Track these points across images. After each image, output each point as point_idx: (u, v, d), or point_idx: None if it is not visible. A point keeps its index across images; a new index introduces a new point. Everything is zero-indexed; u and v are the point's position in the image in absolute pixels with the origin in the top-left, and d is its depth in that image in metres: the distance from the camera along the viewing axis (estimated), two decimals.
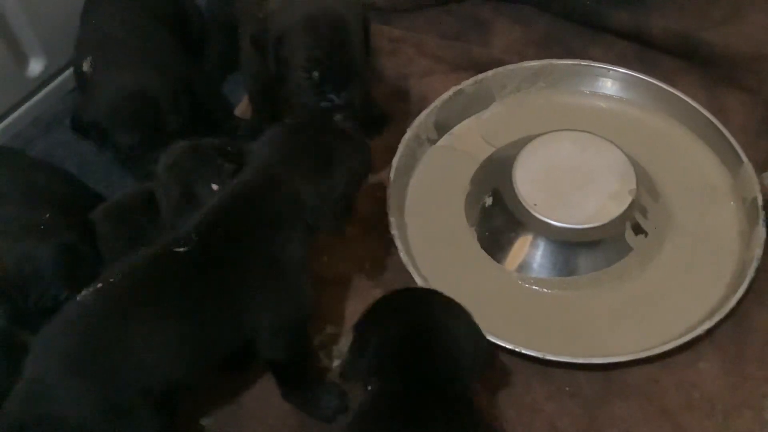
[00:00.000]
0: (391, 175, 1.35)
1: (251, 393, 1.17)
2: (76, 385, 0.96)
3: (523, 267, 1.28)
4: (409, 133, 1.40)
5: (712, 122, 1.37)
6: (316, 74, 1.16)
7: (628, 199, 1.26)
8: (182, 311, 1.01)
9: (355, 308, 1.25)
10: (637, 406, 1.16)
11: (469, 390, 1.00)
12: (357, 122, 1.23)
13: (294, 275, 1.07)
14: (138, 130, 1.29)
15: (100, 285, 0.99)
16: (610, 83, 1.46)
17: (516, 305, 1.26)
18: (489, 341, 1.09)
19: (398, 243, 1.27)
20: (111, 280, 1.00)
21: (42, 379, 0.96)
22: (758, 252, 1.23)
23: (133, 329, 0.97)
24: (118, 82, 1.30)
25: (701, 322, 1.19)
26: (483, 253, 1.31)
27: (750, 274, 1.22)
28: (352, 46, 1.17)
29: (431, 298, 1.06)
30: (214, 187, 1.15)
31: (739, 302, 1.21)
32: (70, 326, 0.98)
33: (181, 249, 1.02)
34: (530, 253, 1.28)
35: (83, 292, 1.00)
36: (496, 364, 1.13)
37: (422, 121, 1.42)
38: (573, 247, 1.27)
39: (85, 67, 1.36)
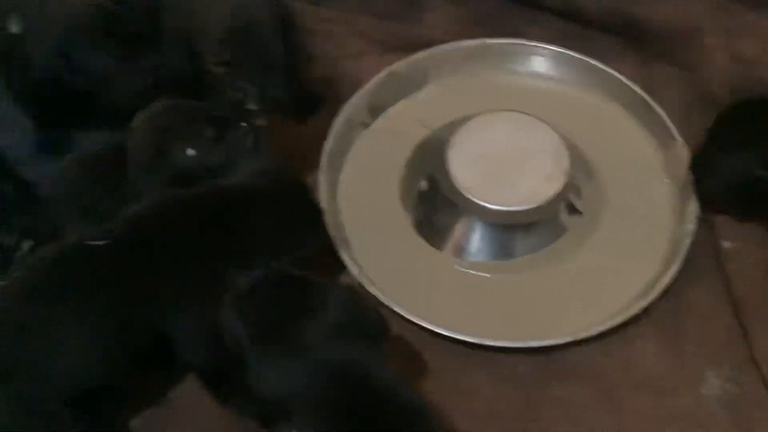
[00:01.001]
0: (323, 161, 1.31)
1: (182, 391, 1.12)
2: None
3: (460, 251, 1.26)
4: (341, 117, 1.35)
5: (644, 99, 1.36)
6: (226, 59, 1.12)
7: (562, 180, 1.24)
8: (97, 309, 0.96)
9: None
10: (576, 387, 1.15)
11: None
12: (285, 111, 1.20)
13: None
14: None
15: (4, 283, 0.94)
16: (545, 62, 1.44)
17: (453, 290, 1.24)
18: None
19: (331, 231, 1.24)
20: (33, 269, 0.95)
21: None
22: (691, 227, 1.23)
23: (43, 330, 0.92)
24: None
25: (637, 300, 1.18)
26: (419, 238, 1.28)
27: (684, 250, 1.22)
28: (264, 28, 1.13)
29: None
30: (190, 152, 1.10)
31: (675, 279, 1.21)
32: None
33: (99, 242, 0.98)
34: (466, 238, 1.26)
35: (2, 283, 0.95)
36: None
37: (355, 103, 1.38)
38: (509, 230, 1.25)
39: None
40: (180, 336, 1.02)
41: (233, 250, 1.04)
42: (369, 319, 1.00)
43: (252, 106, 1.14)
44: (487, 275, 1.25)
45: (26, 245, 1.09)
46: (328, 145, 1.33)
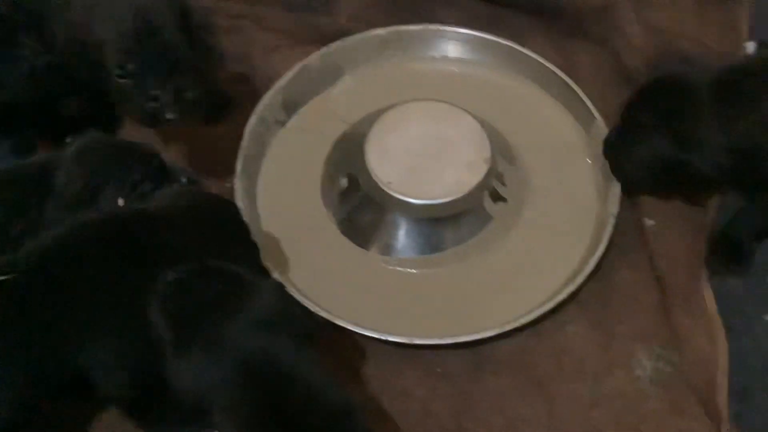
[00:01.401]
0: (239, 165, 1.26)
1: (101, 421, 1.08)
2: None
3: (386, 249, 1.23)
4: (254, 117, 1.31)
5: (562, 78, 1.35)
6: (130, 68, 1.05)
7: (484, 168, 1.22)
8: (5, 347, 0.91)
9: None
10: (509, 379, 1.14)
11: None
12: (200, 115, 1.14)
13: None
14: None
15: None
16: (461, 46, 1.41)
17: (382, 289, 1.21)
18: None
19: (252, 237, 1.19)
20: None
21: None
22: (615, 208, 1.23)
23: None
24: None
25: (566, 285, 1.18)
26: (344, 238, 1.25)
27: (608, 231, 1.21)
28: (166, 29, 1.07)
29: None
30: (120, 201, 1.05)
31: (602, 260, 1.20)
32: None
33: (7, 276, 0.92)
34: (392, 234, 1.23)
35: None
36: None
37: (268, 102, 1.33)
38: (434, 223, 1.23)
39: None
40: (99, 367, 0.97)
41: (150, 276, 0.97)
42: (295, 317, 0.96)
43: (170, 115, 1.08)
44: (415, 271, 1.23)
45: None
46: (243, 147, 1.28)
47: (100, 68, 1.11)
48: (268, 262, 1.17)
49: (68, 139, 1.11)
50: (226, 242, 1.06)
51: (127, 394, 1.01)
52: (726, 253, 1.22)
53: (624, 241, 1.23)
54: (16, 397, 0.93)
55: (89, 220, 1.01)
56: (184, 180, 1.10)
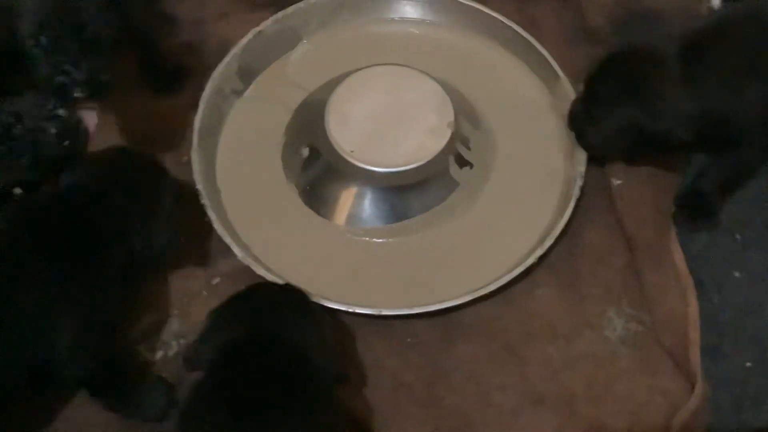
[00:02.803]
0: (195, 138, 1.21)
1: (60, 410, 1.05)
2: None
3: (351, 219, 1.20)
4: (209, 87, 1.26)
5: (523, 37, 1.32)
6: (44, 40, 1.00)
7: (448, 133, 1.19)
8: None
9: (177, 287, 1.15)
10: (480, 345, 1.12)
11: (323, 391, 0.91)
12: (106, 97, 1.09)
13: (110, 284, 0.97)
14: None
15: None
16: (418, 7, 1.37)
17: (348, 260, 1.19)
18: (337, 360, 0.98)
19: (210, 213, 1.16)
20: None
21: None
22: (582, 169, 1.21)
23: None
24: None
25: (534, 249, 1.16)
26: (307, 209, 1.22)
27: (576, 192, 1.19)
28: (85, 8, 1.02)
29: (283, 304, 0.97)
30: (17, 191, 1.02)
31: (570, 221, 1.19)
32: None
33: None
34: (356, 204, 1.20)
35: None
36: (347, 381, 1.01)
37: (223, 71, 1.28)
38: (399, 191, 1.20)
39: None
40: (61, 351, 0.94)
41: (95, 249, 0.97)
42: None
43: (78, 93, 1.03)
44: (382, 240, 1.20)
45: None
46: (199, 119, 1.23)
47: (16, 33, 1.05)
48: (227, 237, 1.14)
49: None
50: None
51: (91, 375, 0.98)
52: (693, 208, 1.21)
53: (592, 202, 1.22)
54: None
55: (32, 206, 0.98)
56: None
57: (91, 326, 0.96)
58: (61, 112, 1.07)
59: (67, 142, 1.06)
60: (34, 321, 0.92)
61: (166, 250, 1.05)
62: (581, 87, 1.19)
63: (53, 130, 1.04)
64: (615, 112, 1.12)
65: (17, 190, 1.01)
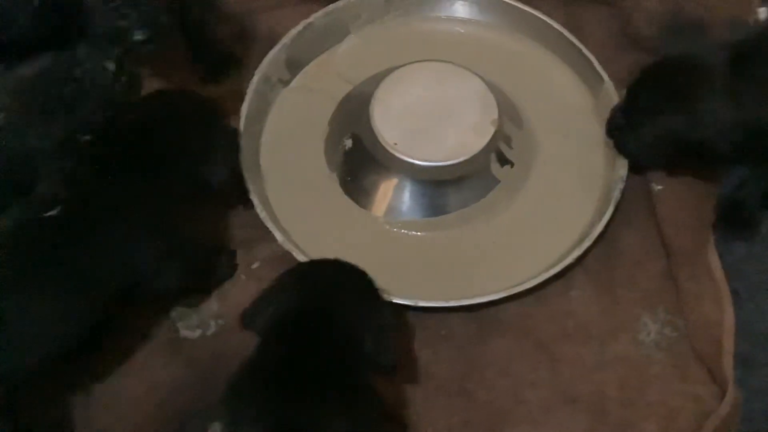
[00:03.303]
0: (241, 125, 1.23)
1: (100, 381, 1.08)
2: None
3: (390, 211, 1.22)
4: (257, 75, 1.28)
5: (570, 41, 1.32)
6: None
7: (491, 130, 1.20)
8: (61, 278, 0.94)
9: None
10: (513, 342, 1.13)
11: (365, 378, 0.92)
12: (169, 43, 1.11)
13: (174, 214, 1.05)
14: None
15: None
16: (467, 6, 1.39)
17: (385, 251, 1.20)
18: (394, 332, 0.99)
19: (254, 198, 1.18)
20: None
21: None
22: (623, 173, 1.21)
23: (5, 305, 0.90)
24: None
25: (572, 250, 1.16)
26: (347, 199, 1.23)
27: (616, 196, 1.19)
28: None
29: (348, 284, 0.98)
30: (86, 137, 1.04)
31: (608, 225, 1.19)
32: None
33: (52, 212, 0.94)
34: (396, 196, 1.22)
35: None
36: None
37: (271, 60, 1.30)
38: (439, 186, 1.21)
39: None
40: (148, 269, 1.01)
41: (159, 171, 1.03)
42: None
43: (138, 36, 1.04)
44: (419, 233, 1.21)
45: None
46: (246, 106, 1.25)
47: None
48: (269, 222, 1.16)
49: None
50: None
51: (176, 286, 1.07)
52: (733, 218, 1.20)
53: (631, 206, 1.22)
54: (72, 329, 0.96)
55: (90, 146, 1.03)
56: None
57: (170, 249, 1.03)
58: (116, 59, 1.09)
59: (125, 82, 1.08)
60: (122, 246, 0.99)
61: (226, 180, 1.10)
62: (625, 93, 1.20)
63: (111, 69, 1.06)
64: (656, 121, 1.12)
65: (86, 137, 1.04)
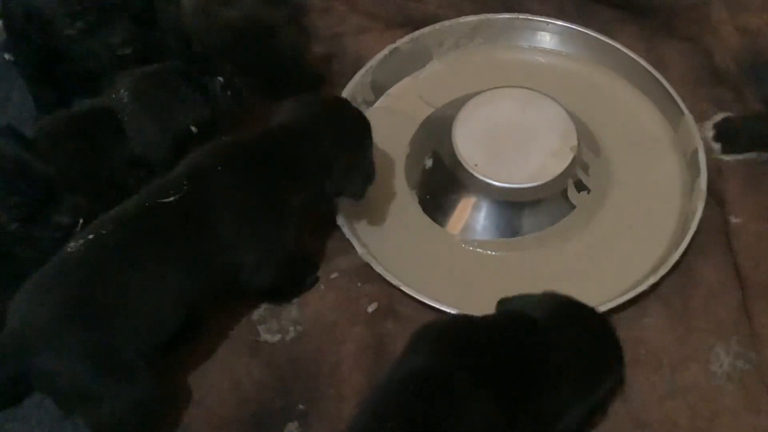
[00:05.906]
0: None
1: (189, 374, 1.12)
2: (69, 338, 0.93)
3: (467, 229, 1.25)
4: (343, 96, 1.33)
5: (651, 74, 1.35)
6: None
7: (570, 156, 1.23)
8: (175, 258, 1.01)
9: None
10: None
11: None
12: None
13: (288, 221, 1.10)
14: None
15: (91, 236, 0.97)
16: (549, 37, 1.43)
17: (460, 269, 1.23)
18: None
19: (336, 210, 1.23)
20: (102, 231, 0.98)
21: (31, 333, 0.93)
22: (700, 205, 1.22)
23: (128, 280, 0.97)
24: None
25: (646, 277, 1.18)
26: (425, 216, 1.27)
27: (693, 227, 1.21)
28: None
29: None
30: (194, 129, 1.16)
31: (683, 255, 1.20)
32: (63, 278, 0.96)
33: (171, 198, 1.01)
34: (473, 215, 1.25)
35: (72, 244, 0.97)
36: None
37: (358, 82, 1.36)
38: (516, 207, 1.24)
39: None
40: (249, 266, 1.08)
41: (290, 180, 1.09)
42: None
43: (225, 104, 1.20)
44: (494, 253, 1.24)
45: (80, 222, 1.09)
46: None
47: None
48: (350, 234, 1.21)
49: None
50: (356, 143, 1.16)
51: (269, 285, 1.14)
52: None
53: (707, 238, 1.23)
54: (185, 305, 1.03)
55: (223, 144, 1.10)
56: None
57: (270, 252, 1.10)
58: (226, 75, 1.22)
59: (229, 96, 1.20)
60: (232, 241, 1.05)
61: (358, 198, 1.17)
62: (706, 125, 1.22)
63: (221, 82, 1.19)
64: None
65: (194, 129, 1.16)
